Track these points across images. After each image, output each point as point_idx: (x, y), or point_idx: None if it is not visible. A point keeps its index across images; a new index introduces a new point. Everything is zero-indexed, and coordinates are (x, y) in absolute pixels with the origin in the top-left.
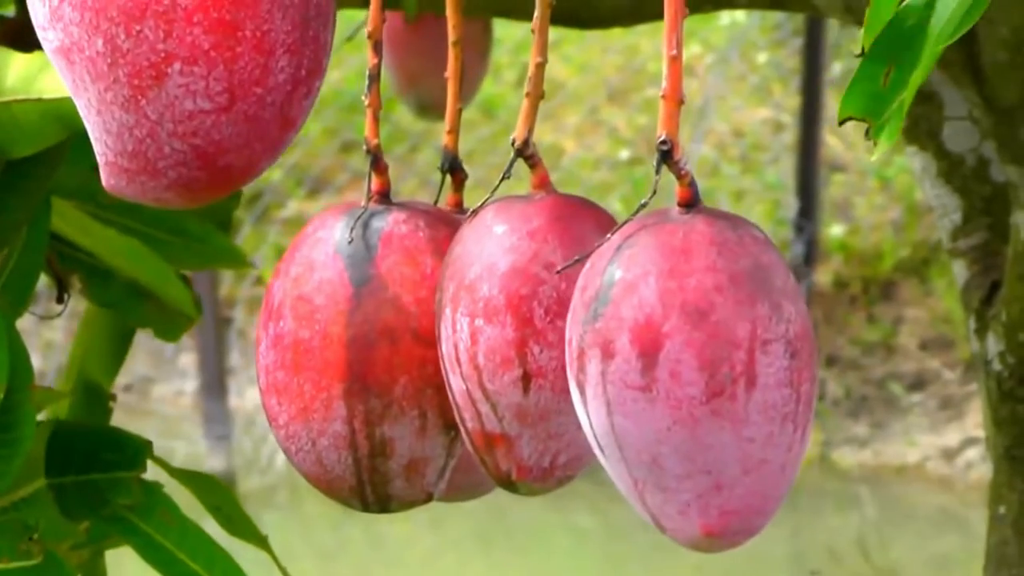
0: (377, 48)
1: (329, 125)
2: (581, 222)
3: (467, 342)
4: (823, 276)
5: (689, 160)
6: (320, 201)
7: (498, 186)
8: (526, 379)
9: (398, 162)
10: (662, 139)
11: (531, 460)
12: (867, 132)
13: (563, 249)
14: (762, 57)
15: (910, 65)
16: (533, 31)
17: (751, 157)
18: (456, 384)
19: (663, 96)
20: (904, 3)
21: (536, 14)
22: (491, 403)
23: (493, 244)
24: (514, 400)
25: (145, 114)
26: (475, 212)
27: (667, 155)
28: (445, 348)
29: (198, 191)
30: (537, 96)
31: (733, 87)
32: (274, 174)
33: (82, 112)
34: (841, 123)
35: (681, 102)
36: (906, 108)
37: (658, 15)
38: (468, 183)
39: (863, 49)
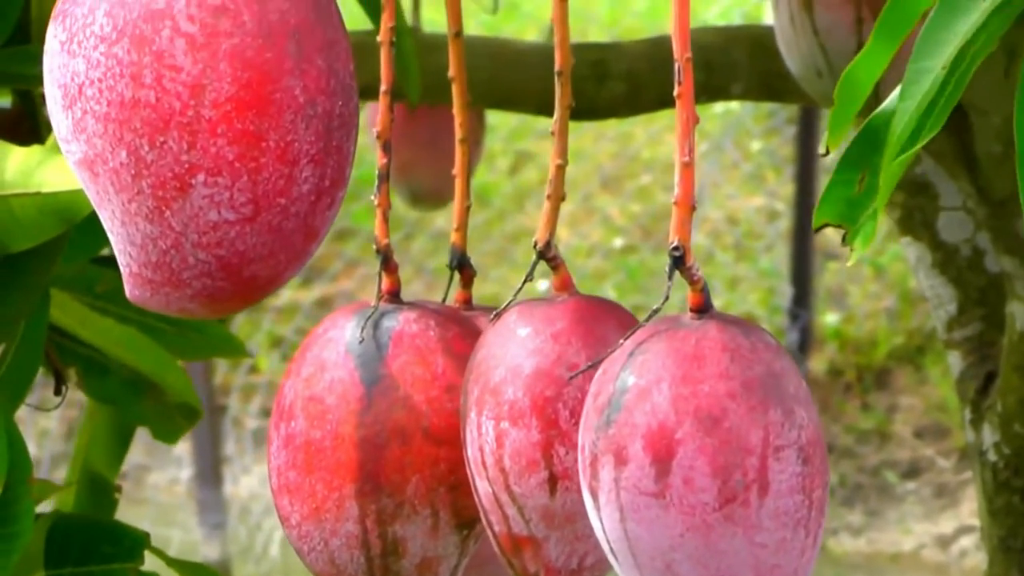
0: (386, 148)
1: None
2: (604, 323)
3: (493, 445)
4: (818, 364)
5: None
6: (314, 290)
7: (520, 288)
8: (552, 481)
9: (393, 250)
10: (675, 245)
11: (559, 562)
12: (844, 238)
13: (587, 351)
14: (756, 145)
15: (882, 170)
16: (553, 133)
17: (745, 245)
18: (482, 487)
19: (675, 203)
20: (878, 108)
21: (555, 116)
22: (518, 505)
23: (517, 347)
24: (541, 502)
25: (169, 225)
26: (498, 315)
27: (679, 261)
28: (471, 451)
29: (223, 301)
30: (558, 198)
31: (727, 175)
32: (280, 287)
33: (105, 224)
34: (817, 230)
35: (693, 208)
36: (881, 213)
37: (654, 106)
38: None
39: (827, 150)
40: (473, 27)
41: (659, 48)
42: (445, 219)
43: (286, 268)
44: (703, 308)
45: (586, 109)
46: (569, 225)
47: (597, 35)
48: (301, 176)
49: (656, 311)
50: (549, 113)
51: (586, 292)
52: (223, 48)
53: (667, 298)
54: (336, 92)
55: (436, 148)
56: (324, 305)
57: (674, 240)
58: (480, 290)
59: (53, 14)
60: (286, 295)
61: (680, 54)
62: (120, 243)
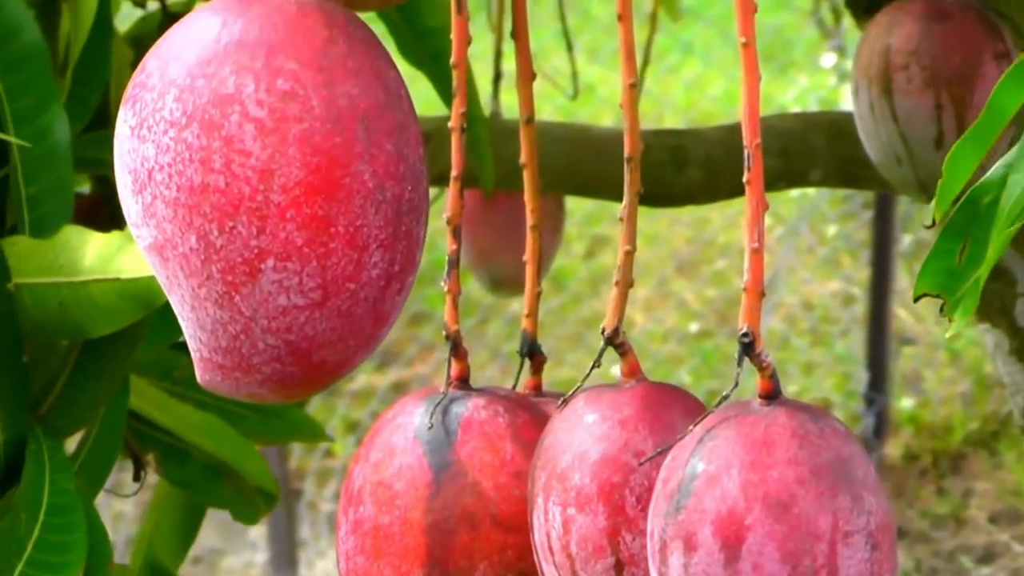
0: (456, 234)
1: None
2: (671, 410)
3: (559, 531)
4: (893, 449)
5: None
6: (389, 374)
7: (587, 376)
8: (619, 567)
9: (468, 334)
10: (744, 332)
11: None
12: (942, 308)
13: (654, 437)
14: (832, 229)
15: (985, 242)
16: (621, 219)
17: (821, 330)
18: (549, 573)
19: (744, 289)
20: (981, 179)
21: (624, 202)
22: None
23: (584, 433)
24: None
25: (239, 310)
26: (565, 401)
27: (749, 347)
28: (537, 537)
29: (292, 387)
30: (626, 285)
31: (803, 259)
32: (350, 372)
33: (176, 308)
34: (916, 299)
35: (762, 295)
36: (981, 285)
37: (732, 192)
38: None
39: (933, 221)
40: (549, 111)
41: (736, 134)
42: (520, 303)
43: (355, 353)
44: (772, 394)
45: (663, 195)
46: (644, 310)
47: (673, 119)
48: (370, 261)
49: (726, 397)
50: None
51: (661, 377)
52: (292, 133)
53: (737, 384)
54: (405, 177)
55: (516, 234)
56: (399, 389)
57: (743, 327)
58: (555, 374)
59: (123, 99)
60: (361, 379)
61: (749, 140)
62: (190, 328)
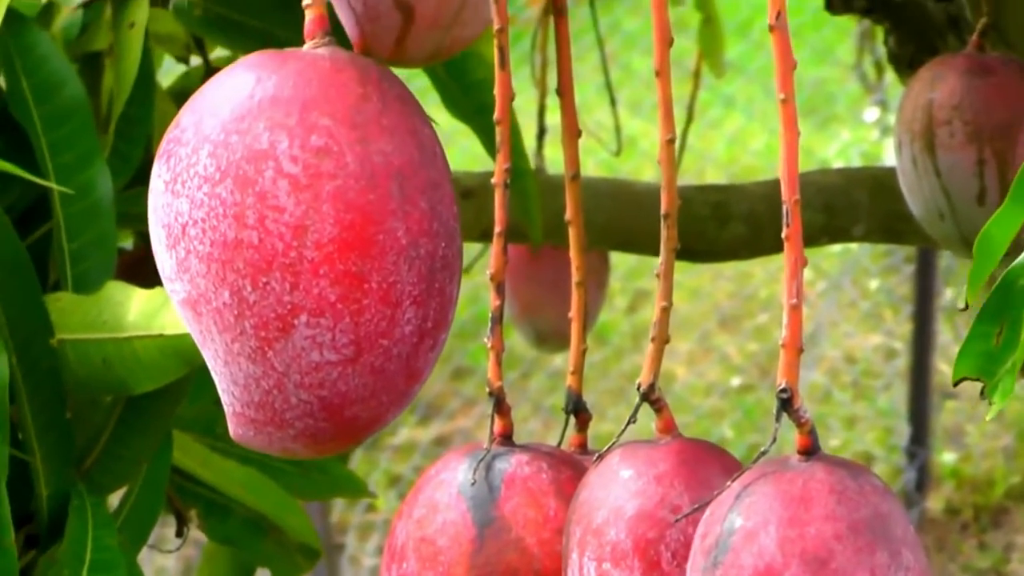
0: (499, 289)
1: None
2: (707, 466)
3: None
4: (935, 503)
5: (800, 387)
6: (431, 428)
7: (623, 431)
8: None
9: (511, 388)
10: (782, 387)
11: None
12: (982, 392)
13: (689, 493)
14: (874, 284)
15: (1020, 325)
16: (658, 276)
17: (863, 383)
18: None
19: (783, 344)
20: (1015, 261)
21: (661, 259)
22: None
23: (620, 488)
24: None
25: (272, 365)
26: (601, 457)
27: (787, 403)
28: None
29: (325, 442)
30: (662, 341)
31: (845, 313)
32: (382, 428)
33: (209, 363)
34: (956, 384)
35: (800, 351)
36: (1019, 367)
37: (774, 247)
38: None
39: (967, 304)
40: (592, 165)
41: (779, 190)
42: (563, 358)
43: (388, 409)
44: (811, 450)
45: (706, 251)
46: (686, 363)
47: (715, 174)
48: (403, 318)
49: (764, 452)
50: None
51: (703, 431)
52: (326, 189)
53: (775, 439)
54: (439, 234)
55: (560, 288)
56: (441, 443)
57: (782, 382)
58: (598, 429)
59: (158, 153)
60: (403, 433)
61: (788, 196)
62: (223, 382)
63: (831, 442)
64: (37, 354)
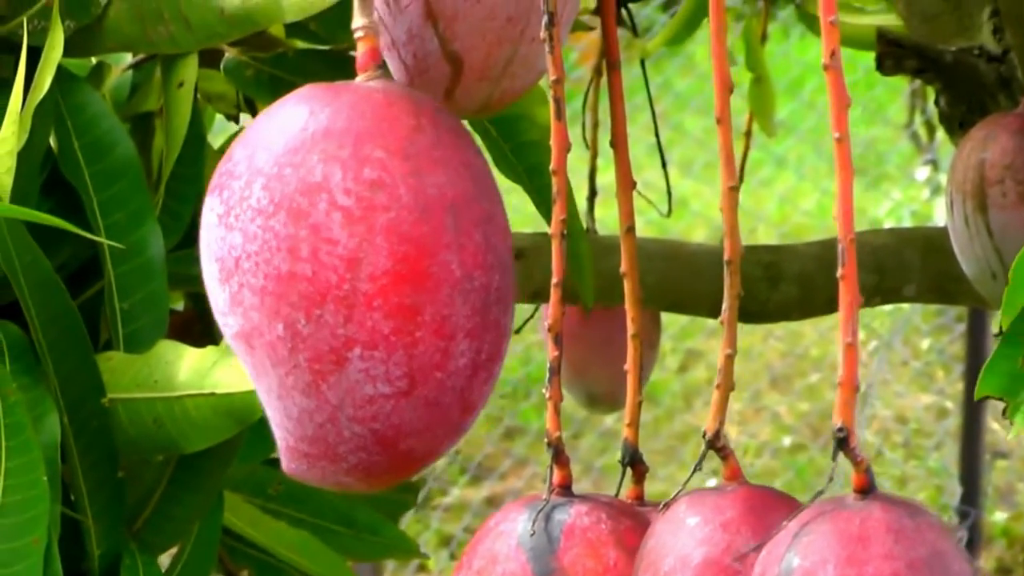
0: (557, 341)
1: (491, 412)
2: (774, 513)
3: None
4: (986, 562)
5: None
6: (483, 488)
7: (690, 478)
8: None
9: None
10: (839, 427)
11: None
12: (1004, 411)
13: (757, 540)
14: (925, 343)
15: None
16: (722, 323)
17: (914, 443)
18: None
19: (839, 383)
20: None
21: (724, 306)
22: None
23: (687, 536)
24: None
25: (326, 399)
26: (667, 505)
27: (843, 442)
28: None
29: (379, 475)
30: (727, 388)
31: (896, 373)
32: (436, 461)
33: (262, 397)
34: (978, 399)
35: (856, 389)
36: None
37: (826, 307)
38: None
39: (1000, 329)
40: (642, 225)
41: (830, 250)
42: (613, 417)
43: (442, 442)
44: (867, 488)
45: (757, 312)
46: (738, 423)
47: (766, 234)
48: (457, 350)
49: (820, 492)
50: (719, 315)
51: None
52: (379, 222)
53: (831, 479)
54: (493, 266)
55: (611, 349)
56: (493, 503)
57: (838, 422)
58: (648, 488)
59: (210, 187)
60: (455, 493)
61: (843, 236)
62: (277, 416)
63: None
64: (88, 413)
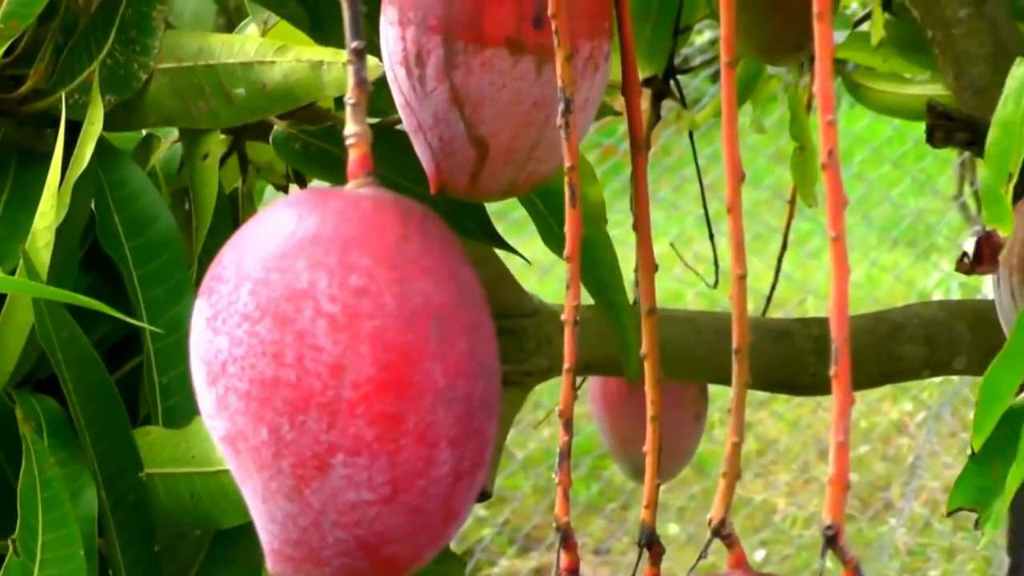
0: (568, 426)
1: (539, 483)
2: None
3: None
4: None
5: (901, 516)
6: (531, 559)
7: (695, 565)
8: None
9: (609, 519)
10: (828, 524)
11: None
12: (976, 523)
13: None
14: (973, 415)
15: (1016, 462)
16: (730, 411)
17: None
18: None
19: (830, 481)
20: (1018, 398)
21: (732, 393)
22: None
23: None
24: None
25: (309, 503)
26: None
27: (832, 540)
28: None
29: None
30: (734, 476)
31: (944, 444)
32: (484, 531)
33: (247, 499)
34: (949, 513)
35: (847, 488)
36: (1007, 502)
37: (875, 380)
38: (680, 541)
39: (973, 451)
40: (691, 297)
41: (880, 322)
42: (664, 488)
43: (425, 548)
44: None
45: (807, 384)
46: (787, 494)
47: (815, 306)
48: (440, 458)
49: None
50: (771, 388)
51: (804, 563)
52: (364, 330)
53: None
54: (477, 375)
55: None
56: (540, 574)
57: (827, 519)
58: (694, 560)
59: (200, 290)
60: (503, 564)
61: (837, 335)
62: (262, 520)
63: (930, 574)
64: (126, 488)
